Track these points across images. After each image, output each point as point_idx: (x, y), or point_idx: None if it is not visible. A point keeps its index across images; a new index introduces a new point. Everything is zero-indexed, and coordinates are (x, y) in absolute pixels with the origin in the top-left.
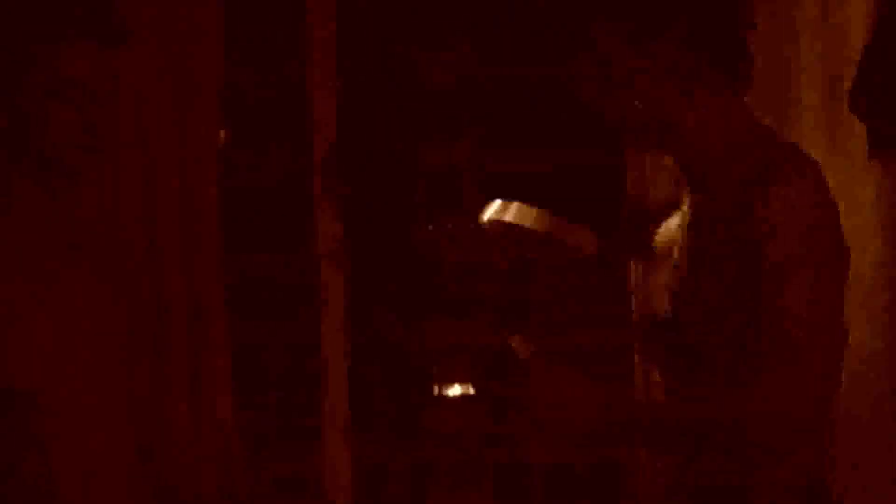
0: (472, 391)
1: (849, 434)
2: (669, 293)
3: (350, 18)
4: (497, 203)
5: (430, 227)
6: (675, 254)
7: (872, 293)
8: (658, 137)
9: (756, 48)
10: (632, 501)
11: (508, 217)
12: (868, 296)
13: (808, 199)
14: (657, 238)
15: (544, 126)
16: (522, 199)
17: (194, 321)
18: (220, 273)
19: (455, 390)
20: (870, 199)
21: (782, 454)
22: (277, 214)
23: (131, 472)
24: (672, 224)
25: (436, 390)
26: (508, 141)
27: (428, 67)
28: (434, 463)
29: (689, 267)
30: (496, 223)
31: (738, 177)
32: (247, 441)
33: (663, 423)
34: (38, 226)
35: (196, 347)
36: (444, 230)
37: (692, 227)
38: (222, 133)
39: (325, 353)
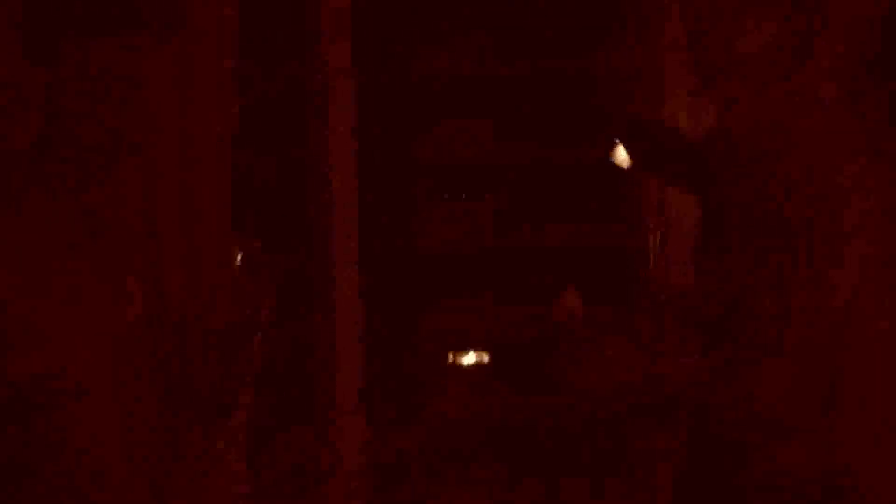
0: (486, 360)
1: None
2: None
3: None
4: None
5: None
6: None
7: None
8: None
9: None
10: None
11: None
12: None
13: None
14: None
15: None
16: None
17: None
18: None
19: (470, 358)
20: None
21: (791, 434)
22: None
23: (146, 469)
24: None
25: (450, 358)
26: (516, 135)
27: (438, 58)
28: (447, 444)
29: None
30: None
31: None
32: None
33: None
34: (69, 221)
35: None
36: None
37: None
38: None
39: (339, 340)
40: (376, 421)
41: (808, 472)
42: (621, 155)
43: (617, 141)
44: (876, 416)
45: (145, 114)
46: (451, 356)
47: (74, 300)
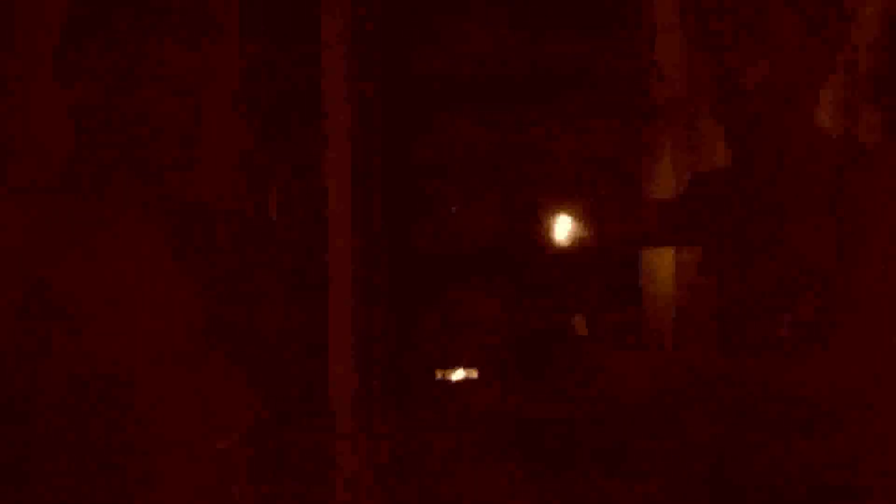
0: (476, 375)
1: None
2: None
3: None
4: None
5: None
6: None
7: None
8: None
9: None
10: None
11: None
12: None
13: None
14: None
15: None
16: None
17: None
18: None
19: (459, 374)
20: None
21: (829, 431)
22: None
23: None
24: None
25: (439, 375)
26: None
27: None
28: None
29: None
30: None
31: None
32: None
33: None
34: (140, 216)
35: None
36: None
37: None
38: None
39: (332, 339)
40: (372, 422)
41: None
42: None
43: None
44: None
45: (209, 110)
46: (450, 356)
47: (142, 294)
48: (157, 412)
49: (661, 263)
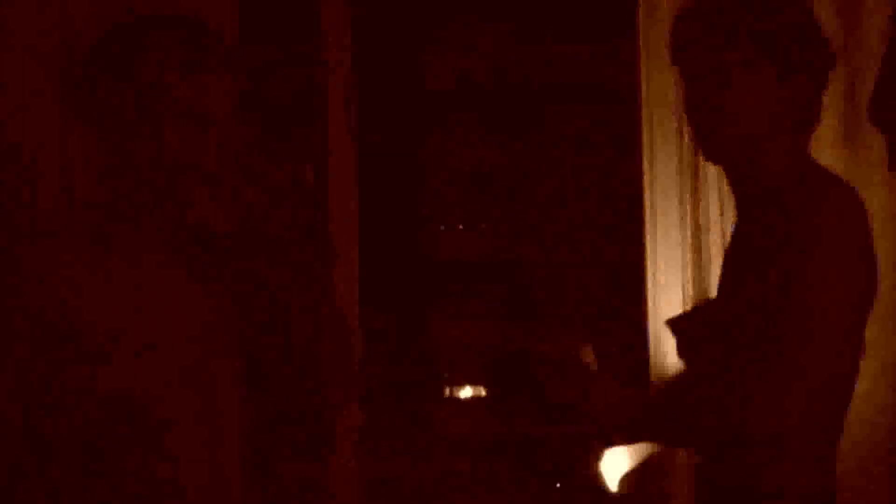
0: (483, 393)
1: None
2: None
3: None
4: None
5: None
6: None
7: (889, 305)
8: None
9: None
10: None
11: None
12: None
13: (851, 221)
14: None
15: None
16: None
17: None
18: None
19: (466, 392)
20: (890, 212)
21: (787, 450)
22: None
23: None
24: None
25: (446, 392)
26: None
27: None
28: (446, 467)
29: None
30: None
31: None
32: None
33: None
34: (164, 238)
35: None
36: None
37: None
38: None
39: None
40: (373, 435)
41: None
42: None
43: None
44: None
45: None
46: (451, 370)
47: (165, 317)
48: (173, 433)
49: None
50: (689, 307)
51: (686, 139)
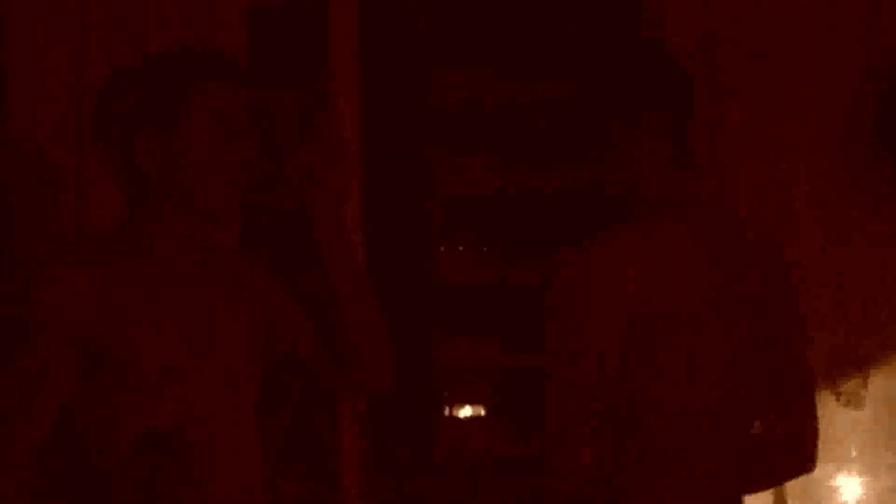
0: (483, 412)
1: None
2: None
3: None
4: None
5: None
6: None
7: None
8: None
9: (773, 87)
10: None
11: None
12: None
13: None
14: None
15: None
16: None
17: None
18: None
19: (466, 411)
20: (892, 232)
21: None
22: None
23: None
24: None
25: (447, 412)
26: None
27: (444, 85)
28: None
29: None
30: None
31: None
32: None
33: None
34: (185, 260)
35: None
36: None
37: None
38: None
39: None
40: (378, 458)
41: None
42: None
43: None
44: None
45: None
46: (456, 392)
47: (207, 349)
48: (212, 467)
49: None
50: None
51: None
